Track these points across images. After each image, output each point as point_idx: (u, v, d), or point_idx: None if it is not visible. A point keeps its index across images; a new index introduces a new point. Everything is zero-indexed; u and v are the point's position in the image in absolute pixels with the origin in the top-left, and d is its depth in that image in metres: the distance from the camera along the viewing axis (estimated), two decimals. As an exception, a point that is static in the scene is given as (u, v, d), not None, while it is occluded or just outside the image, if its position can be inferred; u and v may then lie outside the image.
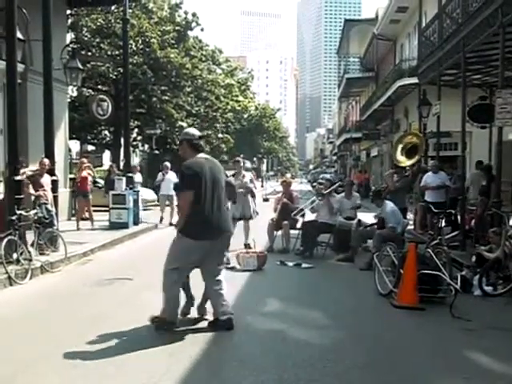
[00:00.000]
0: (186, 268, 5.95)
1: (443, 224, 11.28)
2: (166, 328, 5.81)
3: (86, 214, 14.94)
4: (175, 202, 7.47)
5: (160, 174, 17.44)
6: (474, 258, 8.61)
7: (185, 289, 6.32)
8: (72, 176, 16.39)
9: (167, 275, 5.84)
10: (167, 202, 16.93)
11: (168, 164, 17.51)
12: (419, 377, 4.83)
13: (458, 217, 12.54)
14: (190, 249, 5.76)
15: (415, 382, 4.76)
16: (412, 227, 14.36)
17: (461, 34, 11.39)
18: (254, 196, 12.14)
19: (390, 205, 10.25)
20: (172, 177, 16.16)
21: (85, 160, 16.04)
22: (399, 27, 28.95)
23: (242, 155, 17.52)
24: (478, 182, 12.24)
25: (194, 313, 6.38)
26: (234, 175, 12.18)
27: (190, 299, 6.44)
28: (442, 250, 8.28)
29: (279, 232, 11.90)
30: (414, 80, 19.46)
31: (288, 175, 17.51)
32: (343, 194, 12.18)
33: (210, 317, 6.17)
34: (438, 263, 7.53)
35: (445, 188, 13.18)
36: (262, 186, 42.20)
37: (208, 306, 6.24)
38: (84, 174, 14.77)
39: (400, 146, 14.76)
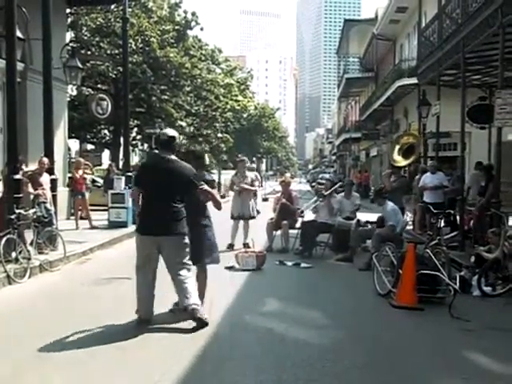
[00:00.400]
0: (146, 265, 6.07)
1: (442, 224, 11.28)
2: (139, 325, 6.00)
3: (82, 213, 14.87)
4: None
5: None
6: (472, 259, 8.60)
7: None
8: (70, 175, 16.35)
9: (136, 275, 6.18)
10: None
11: None
12: (418, 377, 4.83)
13: (457, 217, 12.55)
14: (140, 243, 6.14)
15: (414, 382, 4.76)
16: (411, 227, 14.36)
17: (460, 34, 11.39)
18: (255, 195, 12.18)
19: (391, 204, 10.26)
20: None
21: (81, 159, 16.03)
22: (399, 27, 28.97)
23: (240, 154, 17.48)
24: (478, 183, 12.24)
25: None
26: (235, 174, 12.30)
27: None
28: (440, 251, 8.29)
29: (278, 232, 11.90)
30: (414, 80, 19.49)
31: (287, 175, 17.52)
32: (343, 194, 12.19)
33: (205, 315, 6.23)
34: (437, 263, 7.53)
35: (442, 188, 13.18)
36: (261, 186, 42.19)
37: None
38: (80, 173, 14.74)
39: (397, 147, 14.78)
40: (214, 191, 6.47)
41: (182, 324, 6.08)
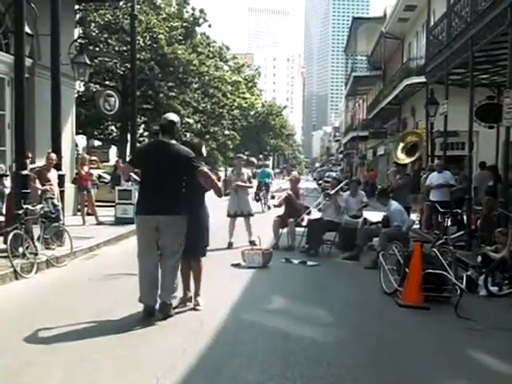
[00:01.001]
0: (147, 253, 6.12)
1: (449, 224, 11.25)
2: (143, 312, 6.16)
3: (89, 209, 14.90)
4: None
5: None
6: (479, 258, 8.58)
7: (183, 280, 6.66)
8: (76, 171, 16.40)
9: (138, 263, 6.24)
10: None
11: None
12: (422, 376, 4.82)
13: (464, 216, 12.51)
14: (138, 226, 6.29)
15: (418, 382, 4.75)
16: (417, 226, 14.33)
17: (469, 33, 11.35)
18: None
19: (395, 204, 10.24)
20: None
21: (86, 156, 16.04)
22: (407, 26, 28.87)
23: (247, 152, 17.42)
24: (484, 183, 12.20)
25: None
26: (232, 171, 12.38)
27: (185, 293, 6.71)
28: (447, 250, 8.26)
29: (285, 229, 11.90)
30: (422, 79, 19.42)
31: (294, 173, 17.48)
32: (349, 193, 12.18)
33: (200, 307, 6.47)
34: (444, 263, 7.51)
35: (448, 187, 13.14)
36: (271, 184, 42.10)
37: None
38: (85, 169, 14.77)
39: (401, 145, 14.77)
40: (214, 177, 6.49)
41: (187, 319, 6.11)
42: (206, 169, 6.25)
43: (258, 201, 22.85)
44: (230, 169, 37.84)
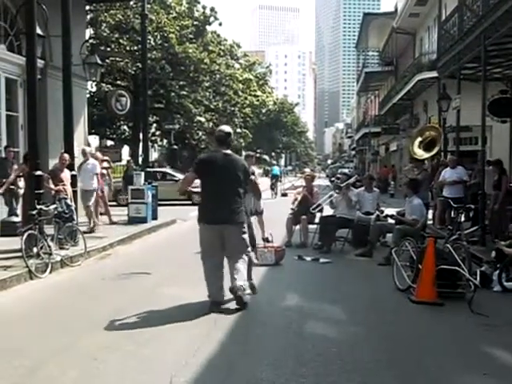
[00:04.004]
0: (211, 253, 6.51)
1: (462, 219, 11.13)
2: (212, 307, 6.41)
3: (102, 209, 14.94)
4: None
5: None
6: (493, 254, 8.52)
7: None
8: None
9: (202, 262, 6.63)
10: None
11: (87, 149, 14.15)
12: (437, 372, 4.79)
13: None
14: (202, 232, 6.53)
15: (433, 378, 4.72)
16: (431, 222, 14.24)
17: (481, 26, 11.25)
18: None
19: (418, 199, 10.14)
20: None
21: (99, 155, 16.09)
22: (419, 20, 28.70)
23: (259, 150, 17.50)
24: (490, 177, 12.08)
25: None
26: None
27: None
28: (461, 245, 8.20)
29: (297, 226, 11.88)
30: (434, 74, 19.31)
31: (307, 170, 17.50)
32: (362, 189, 12.11)
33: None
34: (457, 258, 7.46)
35: (462, 183, 13.03)
36: (281, 181, 42.16)
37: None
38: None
39: (418, 140, 14.62)
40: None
41: (200, 318, 6.12)
42: (253, 177, 7.07)
43: (272, 189, 27.89)
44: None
